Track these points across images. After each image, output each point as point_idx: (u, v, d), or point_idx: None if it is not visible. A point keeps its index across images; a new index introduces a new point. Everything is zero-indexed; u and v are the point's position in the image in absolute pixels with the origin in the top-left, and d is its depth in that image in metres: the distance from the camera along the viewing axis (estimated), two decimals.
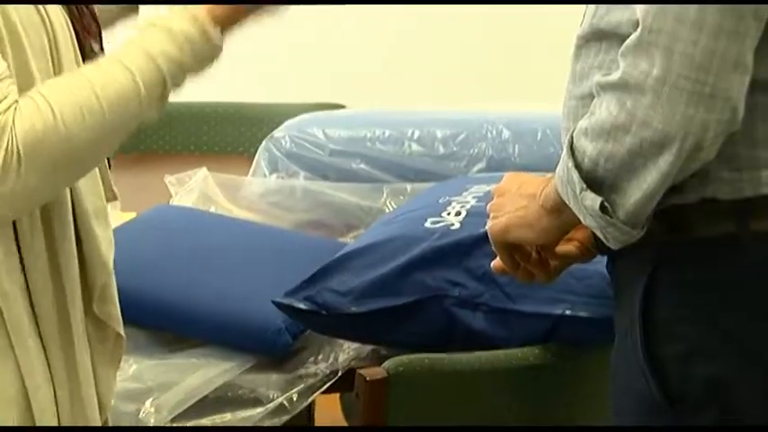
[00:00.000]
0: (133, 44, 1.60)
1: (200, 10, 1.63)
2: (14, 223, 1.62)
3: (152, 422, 1.98)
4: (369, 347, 2.12)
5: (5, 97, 1.52)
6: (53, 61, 1.64)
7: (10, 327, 1.61)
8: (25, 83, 1.58)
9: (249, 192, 2.72)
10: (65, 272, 1.67)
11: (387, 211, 2.54)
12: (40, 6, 1.62)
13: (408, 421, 1.99)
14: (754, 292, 1.61)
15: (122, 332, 1.79)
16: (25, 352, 1.62)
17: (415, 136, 2.72)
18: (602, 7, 1.64)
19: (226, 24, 1.67)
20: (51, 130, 1.53)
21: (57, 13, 1.65)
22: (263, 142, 2.83)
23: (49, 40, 1.63)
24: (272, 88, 3.63)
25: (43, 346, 1.66)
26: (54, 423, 1.68)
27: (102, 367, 1.76)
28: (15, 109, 1.52)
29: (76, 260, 1.70)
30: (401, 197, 2.57)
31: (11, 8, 1.58)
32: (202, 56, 1.61)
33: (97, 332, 1.74)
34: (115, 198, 1.86)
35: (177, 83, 1.62)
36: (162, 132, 3.28)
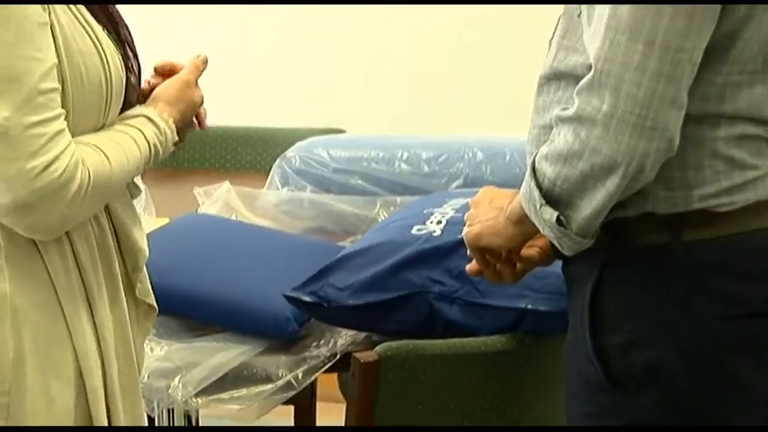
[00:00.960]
0: (145, 124, 1.74)
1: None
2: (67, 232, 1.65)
3: (179, 396, 2.00)
4: (363, 334, 2.14)
5: (67, 139, 1.56)
6: (106, 98, 1.67)
7: (68, 318, 1.61)
8: (82, 117, 1.62)
9: (265, 202, 2.73)
10: (111, 263, 1.70)
11: (379, 219, 2.55)
12: (102, 52, 1.64)
13: (396, 397, 2.00)
14: (685, 292, 1.62)
15: (155, 305, 1.84)
16: (82, 338, 1.62)
17: (404, 157, 2.73)
18: (561, 52, 1.66)
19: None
20: (107, 174, 1.62)
21: (114, 56, 1.66)
22: (277, 161, 2.85)
23: (106, 80, 1.64)
24: (283, 115, 3.68)
25: (96, 332, 1.66)
26: (103, 400, 1.68)
27: (137, 338, 1.79)
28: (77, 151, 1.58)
29: (115, 251, 1.73)
30: (392, 208, 2.58)
31: (76, 51, 1.60)
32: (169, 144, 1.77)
33: (134, 310, 1.77)
34: (139, 192, 1.90)
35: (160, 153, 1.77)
36: (192, 151, 3.31)
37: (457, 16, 3.96)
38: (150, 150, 1.69)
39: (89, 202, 1.58)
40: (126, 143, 1.67)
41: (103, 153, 1.59)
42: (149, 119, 1.71)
